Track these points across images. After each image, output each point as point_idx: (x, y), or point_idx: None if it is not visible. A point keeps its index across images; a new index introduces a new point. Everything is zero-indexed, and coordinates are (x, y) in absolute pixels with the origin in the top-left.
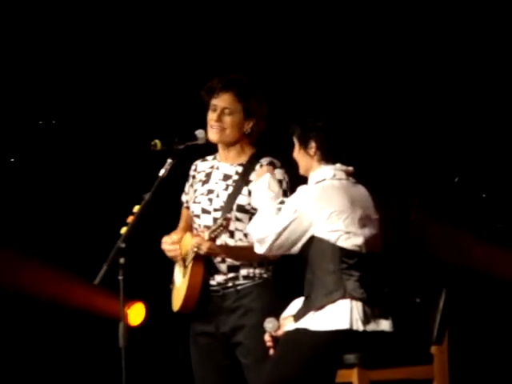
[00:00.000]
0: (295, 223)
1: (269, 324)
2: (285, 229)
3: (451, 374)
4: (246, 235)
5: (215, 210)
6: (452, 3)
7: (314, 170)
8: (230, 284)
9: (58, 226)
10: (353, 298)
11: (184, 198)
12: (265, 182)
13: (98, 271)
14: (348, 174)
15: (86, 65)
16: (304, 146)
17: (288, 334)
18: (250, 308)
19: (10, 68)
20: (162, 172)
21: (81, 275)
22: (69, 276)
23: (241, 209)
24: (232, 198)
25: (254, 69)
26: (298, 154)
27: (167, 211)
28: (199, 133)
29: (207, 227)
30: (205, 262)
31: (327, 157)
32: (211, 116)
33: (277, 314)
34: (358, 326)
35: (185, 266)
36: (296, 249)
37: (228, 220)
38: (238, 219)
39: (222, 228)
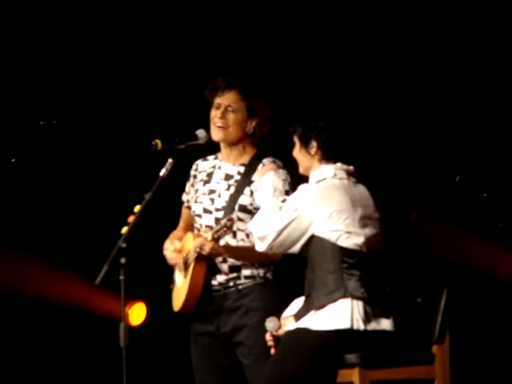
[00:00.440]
0: (296, 222)
1: (270, 323)
2: (285, 227)
3: (452, 373)
4: (247, 235)
5: (217, 209)
6: (452, 3)
7: (314, 170)
8: (231, 284)
9: (59, 225)
10: (354, 297)
11: (184, 197)
12: (268, 179)
13: (98, 271)
14: (349, 173)
15: (86, 65)
16: (305, 145)
17: (289, 333)
18: (251, 307)
19: (10, 69)
20: (162, 172)
21: (82, 275)
22: (70, 276)
23: (243, 209)
24: (234, 198)
25: (256, 69)
26: (298, 153)
27: (168, 211)
28: (200, 132)
29: (209, 227)
30: (207, 262)
31: (328, 156)
32: (215, 113)
33: (278, 314)
34: (359, 325)
35: (186, 267)
36: (296, 248)
37: (232, 221)
38: (239, 219)
39: (225, 229)
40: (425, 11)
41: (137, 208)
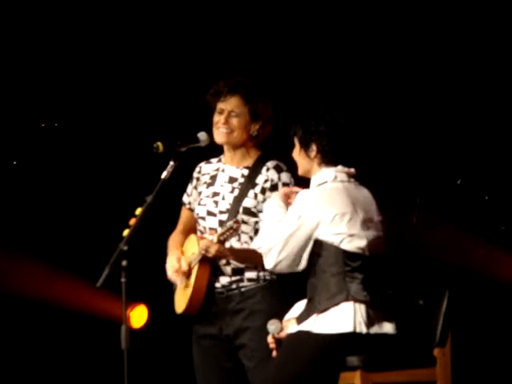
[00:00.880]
0: (301, 229)
1: (271, 326)
2: (290, 236)
3: (454, 376)
4: (251, 238)
5: (221, 212)
6: (452, 3)
7: (314, 173)
8: (234, 286)
9: (60, 228)
10: (356, 300)
11: (186, 199)
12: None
13: (100, 274)
14: (350, 175)
15: (88, 68)
16: (305, 148)
17: (291, 336)
18: (254, 310)
19: (12, 71)
20: (164, 174)
21: (83, 278)
22: (71, 278)
23: (247, 211)
24: (238, 200)
25: (258, 70)
26: (297, 156)
27: (169, 213)
28: (201, 135)
29: (212, 229)
30: (211, 265)
31: (328, 160)
32: (218, 118)
33: (281, 316)
34: (362, 328)
35: (189, 269)
36: (303, 262)
37: (238, 223)
38: (244, 222)
39: (231, 231)
40: (426, 15)
41: (138, 210)
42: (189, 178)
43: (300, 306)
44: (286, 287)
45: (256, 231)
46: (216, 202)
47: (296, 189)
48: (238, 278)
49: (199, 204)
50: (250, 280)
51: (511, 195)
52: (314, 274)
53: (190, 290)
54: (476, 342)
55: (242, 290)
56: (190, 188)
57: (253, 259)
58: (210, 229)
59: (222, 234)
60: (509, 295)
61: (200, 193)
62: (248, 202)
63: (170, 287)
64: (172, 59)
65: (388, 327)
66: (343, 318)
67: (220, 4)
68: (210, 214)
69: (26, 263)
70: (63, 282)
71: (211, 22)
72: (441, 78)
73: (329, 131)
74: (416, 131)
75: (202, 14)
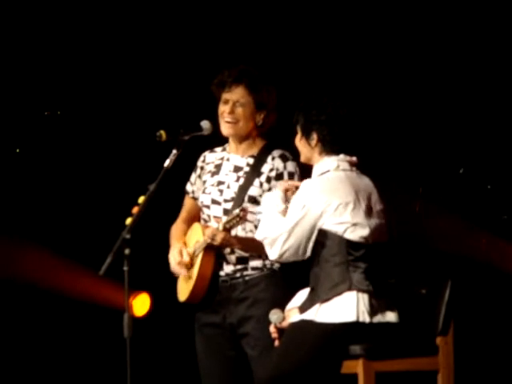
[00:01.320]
0: (305, 219)
1: (273, 315)
2: (295, 225)
3: (456, 365)
4: (256, 227)
5: (226, 200)
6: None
7: (315, 161)
8: (238, 275)
9: (63, 216)
10: (359, 290)
11: (189, 187)
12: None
13: (103, 262)
14: (352, 164)
15: (91, 55)
16: (306, 136)
17: (293, 325)
18: (258, 298)
19: (15, 59)
20: (167, 163)
21: (86, 266)
22: (74, 267)
23: (252, 200)
24: (243, 189)
25: (260, 59)
26: (299, 143)
27: (172, 202)
28: (204, 123)
29: (217, 218)
30: (215, 253)
31: (328, 149)
32: (223, 108)
33: (285, 305)
34: (365, 317)
35: (193, 257)
36: (307, 251)
37: (245, 211)
38: (249, 210)
39: (238, 219)
40: (426, 6)
41: (141, 199)
42: (192, 167)
43: (302, 296)
44: (290, 276)
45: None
46: (221, 191)
47: (296, 183)
48: (242, 266)
49: (204, 192)
50: (254, 269)
51: None
52: (316, 264)
53: (193, 278)
54: (478, 330)
55: (246, 278)
56: (193, 177)
57: (258, 248)
58: (215, 217)
59: (228, 221)
60: (511, 284)
61: (204, 182)
62: (253, 190)
63: (173, 276)
64: (175, 48)
65: (391, 316)
66: (346, 307)
67: None
68: (214, 202)
69: (29, 251)
70: (66, 270)
71: (215, 11)
72: (443, 67)
73: (330, 121)
74: (419, 121)
75: (205, 2)
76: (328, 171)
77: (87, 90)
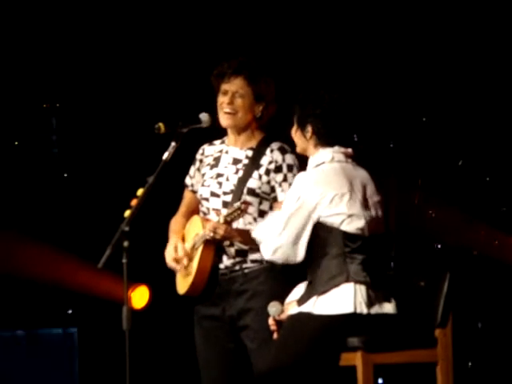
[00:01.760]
0: (300, 211)
1: (272, 308)
2: (290, 216)
3: (455, 357)
4: (255, 219)
5: (225, 193)
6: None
7: (311, 153)
8: (237, 267)
9: (61, 209)
10: (356, 281)
11: (188, 181)
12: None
13: (101, 254)
14: (347, 156)
15: (89, 48)
16: (301, 128)
17: (292, 317)
18: (258, 291)
19: (14, 51)
20: (165, 155)
21: (85, 258)
22: (73, 259)
23: (251, 192)
24: (242, 181)
25: (259, 52)
26: (294, 135)
27: (171, 194)
28: (203, 116)
29: (216, 210)
30: (215, 246)
31: (323, 142)
32: (222, 100)
33: (284, 298)
34: (362, 309)
35: (193, 250)
36: (299, 252)
37: (247, 204)
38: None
39: (239, 211)
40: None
41: (140, 191)
42: (191, 160)
43: (301, 289)
44: (289, 269)
45: (260, 212)
46: (220, 183)
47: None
48: (241, 259)
49: (203, 185)
50: (253, 261)
51: None
52: (314, 256)
53: (193, 271)
54: (477, 322)
55: (246, 271)
56: (192, 170)
57: None
58: (214, 210)
59: (229, 214)
60: (510, 276)
61: (203, 174)
62: (252, 182)
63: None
64: (174, 40)
65: (389, 307)
66: (343, 298)
67: None
68: (213, 194)
69: (26, 244)
70: (65, 262)
71: (213, 4)
72: (442, 58)
73: (325, 115)
74: (418, 113)
75: None
76: (323, 163)
77: (86, 83)
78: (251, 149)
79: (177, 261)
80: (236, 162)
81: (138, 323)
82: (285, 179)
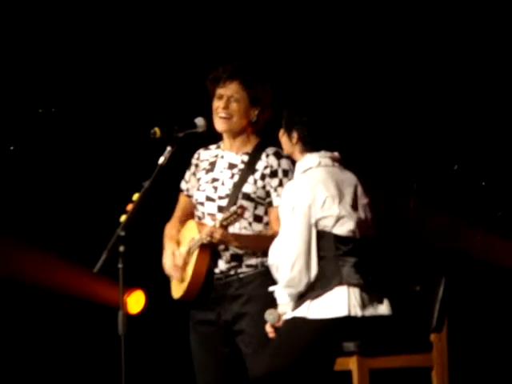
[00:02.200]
0: (299, 221)
1: (269, 316)
2: (292, 230)
3: (450, 362)
4: (250, 224)
5: (220, 197)
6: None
7: (298, 158)
8: (232, 272)
9: (57, 214)
10: (349, 284)
11: (184, 185)
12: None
13: (97, 259)
14: (334, 160)
15: (85, 53)
16: (287, 133)
17: (286, 322)
18: (253, 295)
19: (9, 56)
20: (161, 160)
21: (80, 263)
22: (68, 264)
23: (246, 197)
24: (238, 186)
25: (255, 56)
26: (281, 137)
27: (167, 199)
28: (199, 121)
29: (211, 215)
30: (211, 251)
31: (308, 148)
32: (218, 104)
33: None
34: (357, 311)
35: (188, 254)
36: (313, 264)
37: (243, 208)
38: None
39: (236, 216)
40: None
41: (135, 196)
42: (186, 164)
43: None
44: None
45: (255, 217)
46: (215, 188)
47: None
48: (236, 263)
49: (198, 190)
50: (248, 266)
51: (508, 181)
52: None
53: (188, 276)
54: (472, 327)
55: (241, 276)
56: (188, 174)
57: (257, 245)
58: (209, 214)
59: (226, 219)
60: (505, 280)
61: (199, 179)
62: (248, 187)
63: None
64: (169, 44)
65: (383, 309)
66: (337, 302)
67: None
68: (208, 199)
69: (22, 249)
70: (60, 267)
71: (209, 7)
72: (436, 62)
73: (311, 122)
74: (413, 117)
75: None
76: (310, 168)
77: (81, 88)
78: (247, 154)
79: (176, 268)
80: (231, 166)
81: (134, 328)
82: (280, 184)
